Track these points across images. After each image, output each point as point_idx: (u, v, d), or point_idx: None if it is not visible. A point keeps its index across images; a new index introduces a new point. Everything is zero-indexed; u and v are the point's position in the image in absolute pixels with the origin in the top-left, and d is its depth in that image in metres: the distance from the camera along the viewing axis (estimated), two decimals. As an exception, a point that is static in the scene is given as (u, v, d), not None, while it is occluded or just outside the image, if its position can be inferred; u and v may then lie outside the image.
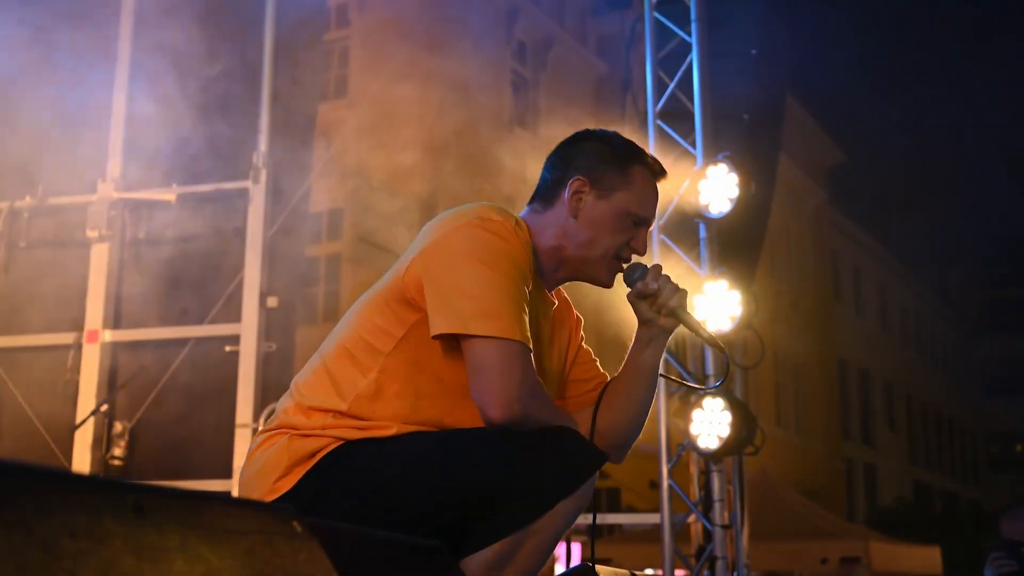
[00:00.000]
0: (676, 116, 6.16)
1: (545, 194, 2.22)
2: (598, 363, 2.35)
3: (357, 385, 2.03)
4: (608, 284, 2.21)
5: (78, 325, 6.71)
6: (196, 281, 6.60)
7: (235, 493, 3.67)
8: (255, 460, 2.07)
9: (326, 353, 2.12)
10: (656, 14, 6.25)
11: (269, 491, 2.00)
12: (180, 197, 6.69)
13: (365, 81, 7.18)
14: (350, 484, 1.97)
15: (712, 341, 2.23)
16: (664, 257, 5.92)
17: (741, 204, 5.44)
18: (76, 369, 6.65)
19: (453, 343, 1.99)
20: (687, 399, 5.52)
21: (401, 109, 7.27)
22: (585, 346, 2.36)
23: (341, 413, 2.02)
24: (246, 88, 6.86)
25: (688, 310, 2.17)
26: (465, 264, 1.96)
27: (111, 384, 6.69)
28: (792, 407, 24.11)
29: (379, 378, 2.02)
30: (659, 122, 6.12)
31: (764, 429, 5.75)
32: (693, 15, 6.01)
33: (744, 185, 5.42)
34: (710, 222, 5.66)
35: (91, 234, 6.76)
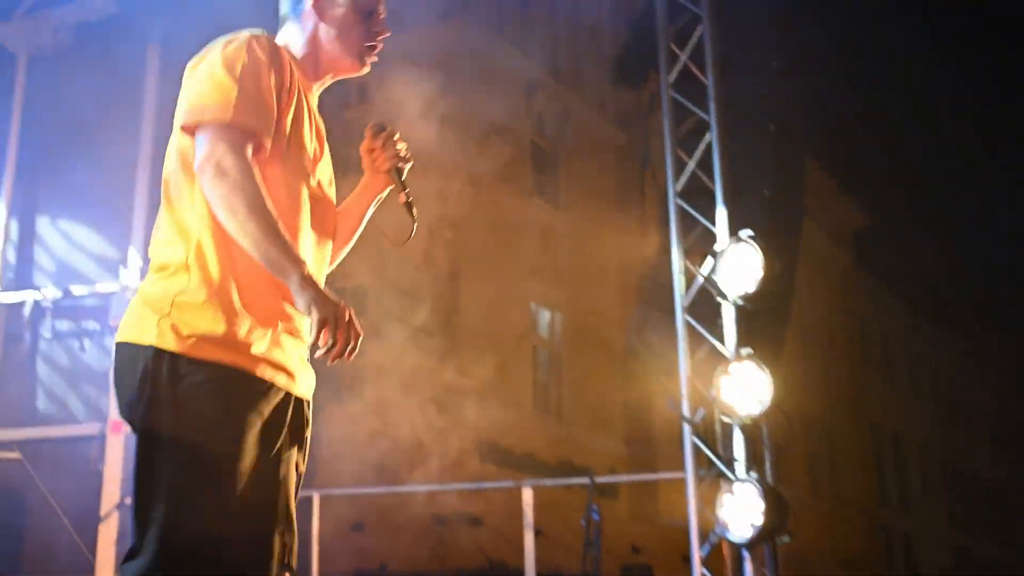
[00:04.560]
0: (697, 193, 6.11)
1: (291, 14, 2.46)
2: None
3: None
4: (362, 69, 2.48)
5: (102, 416, 6.70)
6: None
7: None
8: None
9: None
10: (673, 92, 6.23)
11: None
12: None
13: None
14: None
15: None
16: (688, 338, 5.84)
17: (765, 283, 5.37)
18: (100, 460, 6.62)
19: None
20: (716, 483, 5.40)
21: (423, 183, 7.29)
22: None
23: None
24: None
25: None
26: (211, 66, 2.17)
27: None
28: (827, 475, 23.67)
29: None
30: (679, 201, 6.07)
31: (799, 499, 5.60)
32: (711, 94, 5.98)
33: (768, 266, 5.35)
34: (734, 302, 5.58)
35: (114, 323, 6.78)
